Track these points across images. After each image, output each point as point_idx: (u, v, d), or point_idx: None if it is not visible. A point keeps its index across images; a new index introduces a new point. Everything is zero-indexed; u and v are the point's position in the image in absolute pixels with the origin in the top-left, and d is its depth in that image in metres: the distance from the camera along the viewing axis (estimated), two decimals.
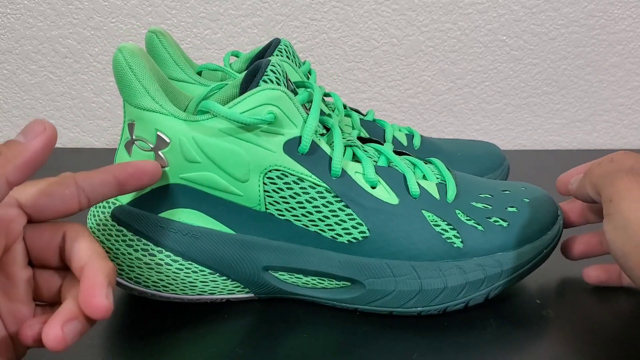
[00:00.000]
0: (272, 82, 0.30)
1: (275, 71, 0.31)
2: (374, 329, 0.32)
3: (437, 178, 0.35)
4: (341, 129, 0.34)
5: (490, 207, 0.34)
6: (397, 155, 0.35)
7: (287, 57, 0.42)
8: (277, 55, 0.41)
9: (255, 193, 0.31)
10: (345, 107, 0.47)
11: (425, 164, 0.36)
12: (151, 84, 0.30)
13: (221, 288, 0.33)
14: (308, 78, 0.44)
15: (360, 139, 0.37)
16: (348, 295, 0.33)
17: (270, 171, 0.31)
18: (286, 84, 0.31)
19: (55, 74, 0.66)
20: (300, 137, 0.31)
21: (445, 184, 0.34)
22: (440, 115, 0.71)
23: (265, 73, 0.30)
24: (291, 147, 0.31)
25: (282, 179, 0.31)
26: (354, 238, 0.32)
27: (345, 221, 0.32)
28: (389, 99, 0.70)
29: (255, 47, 0.46)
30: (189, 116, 0.30)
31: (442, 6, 0.66)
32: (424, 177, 0.34)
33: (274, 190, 0.31)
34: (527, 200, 0.35)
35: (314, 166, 0.31)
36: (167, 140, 0.30)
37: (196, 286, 0.33)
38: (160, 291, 0.33)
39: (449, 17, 0.67)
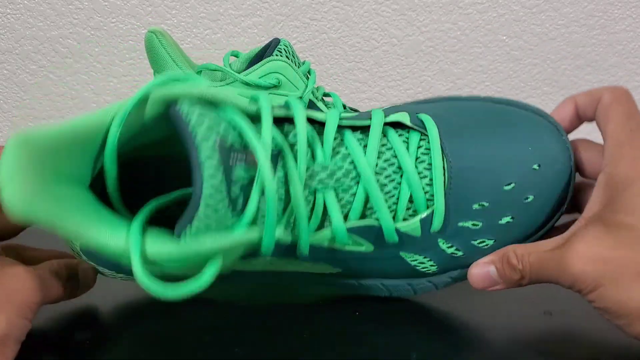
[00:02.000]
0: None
1: (208, 217, 0.24)
2: (373, 328, 0.32)
3: (426, 192, 0.29)
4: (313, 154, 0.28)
5: (480, 225, 0.30)
6: (387, 133, 0.29)
7: (287, 57, 0.42)
8: (276, 55, 0.41)
9: None
10: (345, 107, 0.47)
11: (421, 140, 0.30)
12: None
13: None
14: (308, 78, 0.44)
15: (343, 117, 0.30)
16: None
17: None
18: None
19: (55, 74, 0.66)
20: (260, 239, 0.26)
21: (432, 212, 0.29)
22: None
23: None
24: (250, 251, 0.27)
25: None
26: (327, 272, 0.32)
27: (316, 267, 0.31)
28: (389, 99, 0.70)
29: (255, 47, 0.46)
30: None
31: (442, 6, 0.66)
32: (411, 200, 0.29)
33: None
34: (530, 198, 0.30)
35: (280, 254, 0.28)
36: None
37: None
38: None
39: (449, 17, 0.67)
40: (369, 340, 0.31)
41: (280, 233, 0.26)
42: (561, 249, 0.27)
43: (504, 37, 0.68)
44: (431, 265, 0.31)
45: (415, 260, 0.31)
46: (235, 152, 0.24)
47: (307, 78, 0.44)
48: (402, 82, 0.69)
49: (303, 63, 0.44)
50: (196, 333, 0.32)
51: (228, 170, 0.24)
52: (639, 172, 0.27)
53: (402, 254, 0.30)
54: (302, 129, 0.27)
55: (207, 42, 0.66)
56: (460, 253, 0.31)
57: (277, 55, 0.41)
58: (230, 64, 0.45)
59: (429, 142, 0.29)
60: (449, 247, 0.30)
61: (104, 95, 0.68)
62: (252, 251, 0.27)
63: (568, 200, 0.31)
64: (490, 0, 0.67)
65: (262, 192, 0.25)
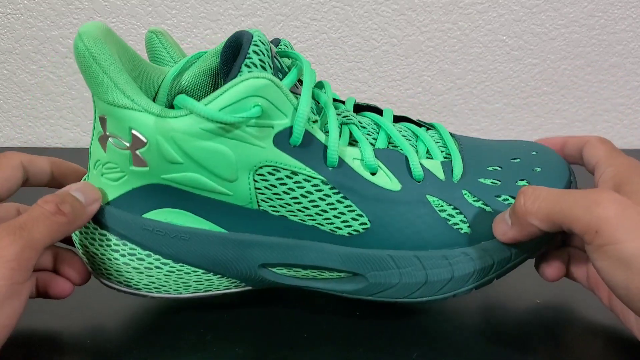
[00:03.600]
0: (255, 66, 0.27)
1: (259, 51, 0.27)
2: (374, 328, 0.32)
3: (442, 152, 0.32)
4: (336, 106, 0.31)
5: (499, 183, 0.31)
6: (398, 123, 0.33)
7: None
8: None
9: (245, 191, 0.29)
10: None
11: (428, 129, 0.34)
12: (120, 76, 0.27)
13: (217, 285, 0.32)
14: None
15: (356, 106, 0.34)
16: (350, 287, 0.31)
17: (260, 167, 0.28)
18: (271, 64, 0.28)
19: (55, 74, 0.66)
20: (291, 128, 0.28)
21: (451, 161, 0.32)
22: (440, 115, 0.71)
23: (247, 55, 0.27)
24: (282, 139, 0.28)
25: (273, 174, 0.29)
26: (354, 230, 0.30)
27: (344, 213, 0.30)
28: (389, 99, 0.70)
29: None
30: (165, 111, 0.27)
31: (442, 6, 0.66)
32: (428, 154, 0.32)
33: (265, 187, 0.29)
34: (538, 169, 0.33)
35: (308, 157, 0.29)
36: (144, 140, 0.28)
37: (190, 285, 0.32)
38: (153, 292, 0.32)
39: (449, 17, 0.67)
40: (370, 340, 0.31)
41: (310, 125, 0.29)
42: (590, 191, 0.26)
43: (504, 37, 0.68)
44: (461, 221, 0.30)
45: (444, 210, 0.30)
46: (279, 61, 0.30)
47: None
48: (402, 82, 0.69)
49: None
50: (197, 332, 0.32)
51: (273, 59, 0.28)
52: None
53: (428, 197, 0.30)
54: (328, 86, 0.33)
55: (207, 42, 0.66)
56: (488, 208, 0.31)
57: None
58: None
59: (435, 131, 0.34)
60: (475, 201, 0.31)
61: None
62: (283, 138, 0.28)
63: (573, 186, 0.33)
64: (490, 0, 0.67)
65: (297, 82, 0.30)
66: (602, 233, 0.24)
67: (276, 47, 0.41)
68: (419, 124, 0.35)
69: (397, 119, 0.35)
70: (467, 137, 0.35)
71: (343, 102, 0.46)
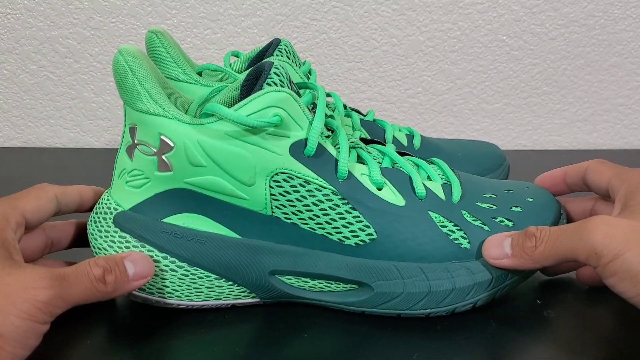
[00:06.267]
0: (275, 85, 0.30)
1: (279, 74, 0.30)
2: (374, 329, 0.32)
3: (442, 179, 0.34)
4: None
5: (495, 207, 0.34)
6: (401, 157, 0.35)
7: (287, 57, 0.42)
8: (277, 55, 0.41)
9: (261, 196, 0.31)
10: (345, 107, 0.47)
11: (429, 164, 0.36)
12: (153, 87, 0.30)
13: (227, 293, 0.33)
14: (308, 78, 0.44)
15: (362, 140, 0.37)
16: (356, 299, 0.32)
17: (276, 174, 0.30)
18: (290, 87, 0.31)
19: (55, 74, 0.66)
20: (306, 140, 0.31)
21: (450, 185, 0.34)
22: (440, 115, 0.71)
23: (269, 76, 0.30)
24: (297, 149, 0.30)
25: (288, 181, 0.31)
26: (361, 240, 0.32)
27: (352, 223, 0.31)
28: (389, 99, 0.70)
29: (255, 47, 0.46)
30: (194, 119, 0.30)
31: (442, 6, 0.66)
32: (429, 178, 0.34)
33: (280, 194, 0.31)
34: (530, 199, 0.35)
35: (320, 168, 0.31)
36: (171, 145, 0.30)
37: (202, 292, 0.33)
38: (165, 297, 0.33)
39: (449, 17, 0.67)
40: (370, 341, 0.31)
41: (323, 140, 0.32)
42: (583, 220, 0.28)
43: (504, 37, 0.68)
44: (462, 237, 0.32)
45: (445, 226, 0.32)
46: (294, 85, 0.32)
47: (308, 78, 0.44)
48: (402, 82, 0.69)
49: (303, 63, 0.45)
50: (197, 332, 0.32)
51: (291, 83, 0.31)
52: None
53: (430, 213, 0.32)
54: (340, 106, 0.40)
55: (207, 42, 0.66)
56: (486, 227, 0.33)
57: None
58: (230, 64, 0.45)
59: (435, 165, 0.36)
60: (473, 220, 0.33)
61: (104, 95, 0.68)
62: (298, 148, 0.30)
63: (563, 215, 0.36)
64: (490, 0, 0.67)
65: (313, 105, 0.32)
66: (601, 253, 0.27)
67: (276, 47, 0.42)
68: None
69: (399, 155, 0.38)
70: (464, 173, 0.37)
71: (362, 113, 0.48)
